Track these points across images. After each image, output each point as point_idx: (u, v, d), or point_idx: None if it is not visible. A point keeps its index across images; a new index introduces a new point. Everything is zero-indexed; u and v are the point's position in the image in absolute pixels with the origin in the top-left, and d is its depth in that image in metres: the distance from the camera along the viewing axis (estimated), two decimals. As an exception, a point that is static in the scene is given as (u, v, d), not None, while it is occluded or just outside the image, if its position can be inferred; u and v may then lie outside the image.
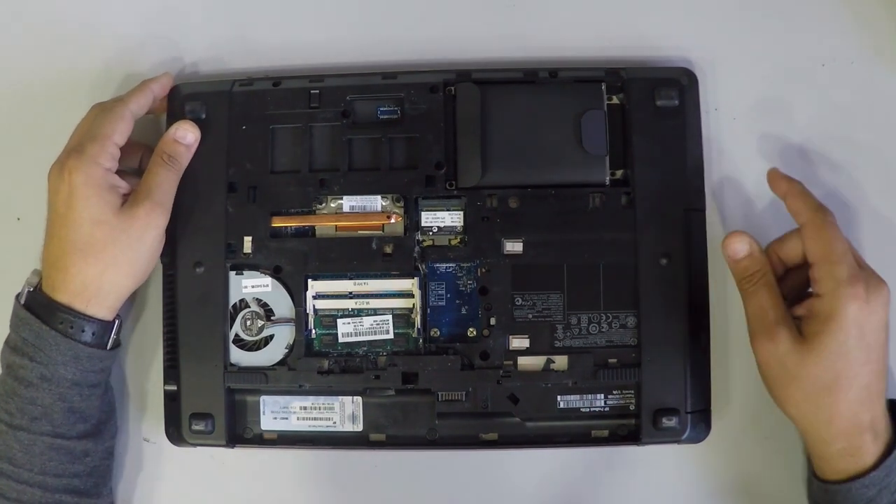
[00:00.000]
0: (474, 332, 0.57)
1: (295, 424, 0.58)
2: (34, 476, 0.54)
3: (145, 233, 0.55)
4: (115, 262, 0.54)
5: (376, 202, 0.58)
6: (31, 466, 0.54)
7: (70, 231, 0.54)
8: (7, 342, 0.56)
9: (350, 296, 0.58)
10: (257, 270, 0.58)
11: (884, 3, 0.61)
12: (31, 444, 0.54)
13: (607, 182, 0.57)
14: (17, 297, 0.56)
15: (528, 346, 0.57)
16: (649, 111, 0.58)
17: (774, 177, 0.56)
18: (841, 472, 0.52)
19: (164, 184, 0.56)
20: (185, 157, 0.58)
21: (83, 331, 0.54)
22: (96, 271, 0.54)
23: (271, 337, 0.58)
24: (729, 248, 0.54)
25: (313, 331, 0.58)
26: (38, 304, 0.55)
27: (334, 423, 0.58)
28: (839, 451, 0.52)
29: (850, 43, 0.61)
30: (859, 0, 0.61)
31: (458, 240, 0.58)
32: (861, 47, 0.61)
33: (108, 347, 0.56)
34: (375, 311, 0.58)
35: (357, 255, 0.58)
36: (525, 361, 0.57)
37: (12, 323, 0.56)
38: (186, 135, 0.58)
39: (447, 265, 0.58)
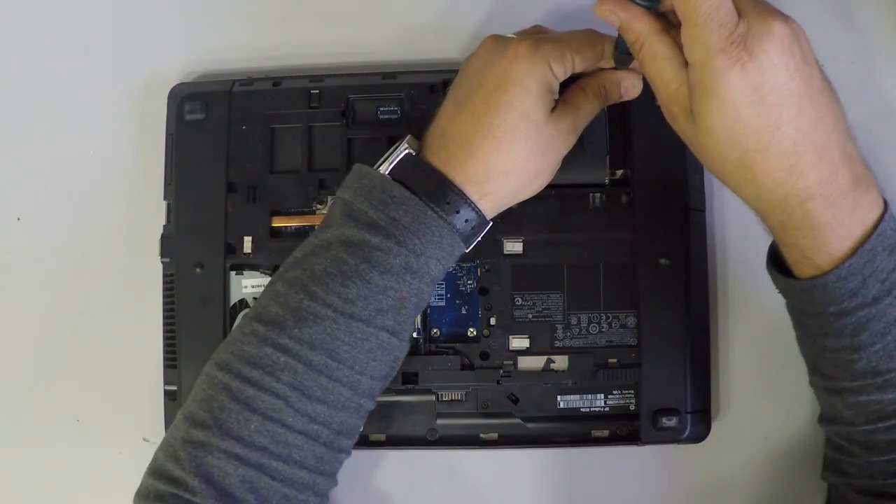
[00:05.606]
0: (474, 332, 0.57)
1: (295, 424, 0.58)
2: (353, 375, 0.46)
3: (558, 147, 0.49)
4: (524, 166, 0.48)
5: (376, 202, 0.58)
6: (353, 363, 0.46)
7: (494, 114, 0.47)
8: (355, 218, 0.47)
9: (350, 296, 0.58)
10: (257, 270, 0.58)
11: (884, 3, 0.61)
12: (365, 338, 0.46)
13: (607, 182, 0.57)
14: (378, 166, 0.48)
15: (528, 346, 0.57)
16: (649, 111, 0.58)
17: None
18: (807, 263, 0.44)
19: (589, 114, 0.51)
20: (612, 101, 0.52)
21: (466, 221, 0.47)
22: (506, 168, 0.48)
23: (271, 337, 0.58)
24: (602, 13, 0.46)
25: (313, 331, 0.58)
26: (421, 175, 0.47)
27: (334, 423, 0.58)
28: (781, 223, 0.45)
29: (850, 43, 0.61)
30: (859, 0, 0.61)
31: (458, 240, 0.58)
32: (861, 47, 0.61)
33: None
34: (375, 311, 0.58)
35: (357, 255, 0.58)
36: (525, 361, 0.57)
37: (370, 196, 0.47)
38: (630, 90, 0.51)
39: (447, 265, 0.58)
